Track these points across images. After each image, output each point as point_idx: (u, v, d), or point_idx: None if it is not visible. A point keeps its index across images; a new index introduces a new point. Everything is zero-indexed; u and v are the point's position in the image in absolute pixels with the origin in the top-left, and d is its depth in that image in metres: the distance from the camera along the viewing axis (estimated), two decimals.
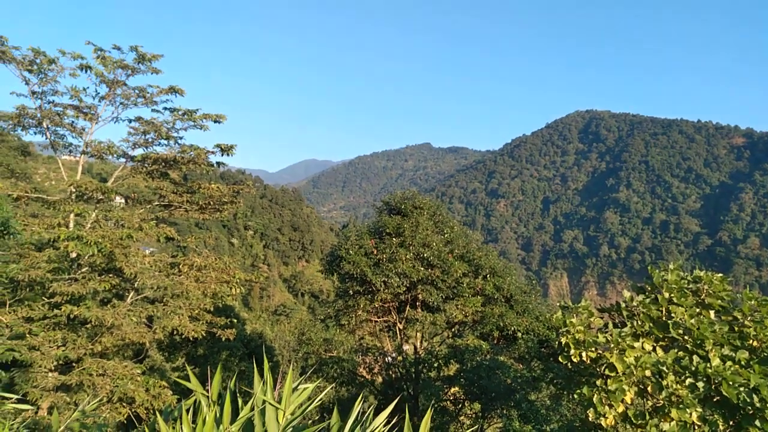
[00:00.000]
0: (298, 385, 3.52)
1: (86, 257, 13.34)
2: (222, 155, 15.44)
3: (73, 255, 13.55)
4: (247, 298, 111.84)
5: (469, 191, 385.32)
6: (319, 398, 3.77)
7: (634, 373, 6.25)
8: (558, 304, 7.68)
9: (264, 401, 3.25)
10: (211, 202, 16.31)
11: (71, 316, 12.67)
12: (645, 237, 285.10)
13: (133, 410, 13.04)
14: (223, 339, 15.57)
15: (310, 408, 3.46)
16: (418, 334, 21.07)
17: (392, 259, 18.66)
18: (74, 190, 13.85)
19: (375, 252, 19.07)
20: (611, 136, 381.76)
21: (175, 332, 14.42)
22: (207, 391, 3.46)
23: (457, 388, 19.81)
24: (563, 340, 6.74)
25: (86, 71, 14.16)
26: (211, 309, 15.20)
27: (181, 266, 15.09)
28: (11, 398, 8.44)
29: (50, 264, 13.21)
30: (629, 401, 6.20)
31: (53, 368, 12.67)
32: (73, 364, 13.08)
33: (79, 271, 13.64)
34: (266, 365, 3.45)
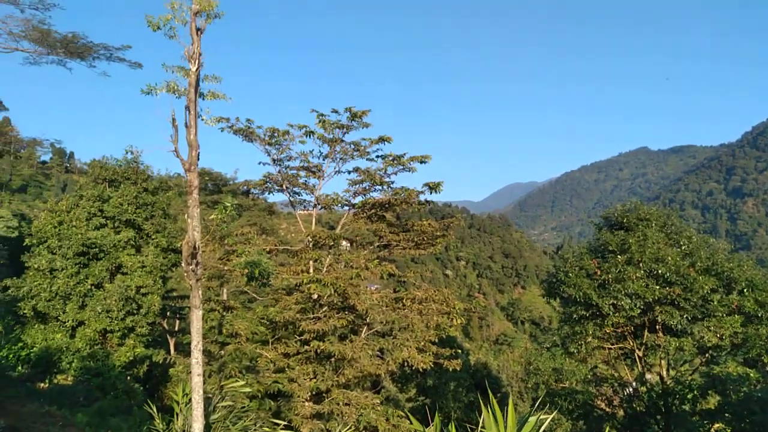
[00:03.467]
0: (526, 417, 3.41)
1: (325, 297, 15.10)
2: (430, 193, 16.18)
3: (315, 296, 15.42)
4: (467, 328, 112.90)
5: (703, 194, 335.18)
6: (549, 430, 3.58)
7: None
8: None
9: None
10: (425, 238, 17.10)
11: (318, 350, 14.35)
12: None
13: None
14: (450, 369, 15.91)
15: None
16: (662, 361, 18.66)
17: (619, 278, 17.05)
18: (311, 239, 15.90)
19: (598, 272, 17.67)
20: None
21: (404, 364, 15.26)
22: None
23: (721, 425, 16.87)
24: None
25: (310, 136, 16.40)
26: (436, 340, 15.72)
27: (404, 300, 16.04)
28: (280, 424, 9.84)
29: (298, 305, 15.25)
30: None
31: (308, 398, 14.41)
32: (323, 395, 14.70)
33: (320, 310, 15.45)
34: (491, 397, 3.42)
